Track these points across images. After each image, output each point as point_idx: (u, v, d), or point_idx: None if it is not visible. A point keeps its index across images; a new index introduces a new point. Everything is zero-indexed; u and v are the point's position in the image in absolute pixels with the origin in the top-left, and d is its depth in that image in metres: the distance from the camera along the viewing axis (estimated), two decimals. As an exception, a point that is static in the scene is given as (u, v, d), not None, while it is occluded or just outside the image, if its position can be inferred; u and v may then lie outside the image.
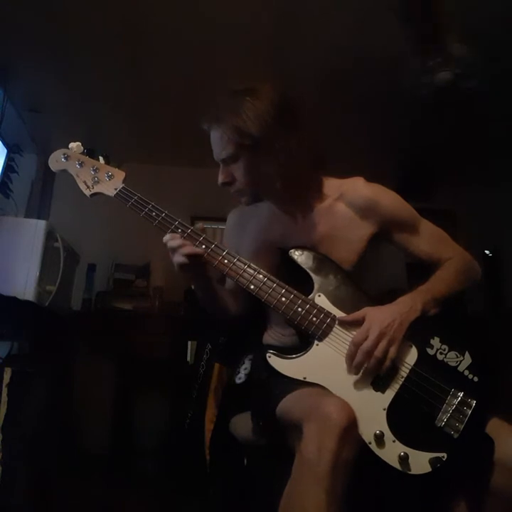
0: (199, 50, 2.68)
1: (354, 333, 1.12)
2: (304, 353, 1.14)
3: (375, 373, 1.09)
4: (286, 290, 1.17)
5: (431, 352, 1.12)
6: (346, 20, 2.45)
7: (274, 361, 1.13)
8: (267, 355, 1.13)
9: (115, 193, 1.26)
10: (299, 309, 1.15)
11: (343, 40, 2.58)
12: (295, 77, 2.73)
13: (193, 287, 1.35)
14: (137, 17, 2.47)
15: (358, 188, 1.31)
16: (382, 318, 1.10)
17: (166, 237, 1.19)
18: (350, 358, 1.10)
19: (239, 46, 2.65)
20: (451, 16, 2.36)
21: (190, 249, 1.17)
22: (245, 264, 1.19)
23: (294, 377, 1.11)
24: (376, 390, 1.09)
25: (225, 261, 1.19)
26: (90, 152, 1.32)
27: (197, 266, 1.21)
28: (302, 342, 1.17)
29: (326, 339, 1.14)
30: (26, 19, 2.44)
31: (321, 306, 1.16)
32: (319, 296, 1.18)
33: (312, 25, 2.50)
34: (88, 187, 1.29)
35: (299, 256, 1.21)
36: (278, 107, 1.20)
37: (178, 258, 1.17)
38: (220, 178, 1.27)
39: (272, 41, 2.63)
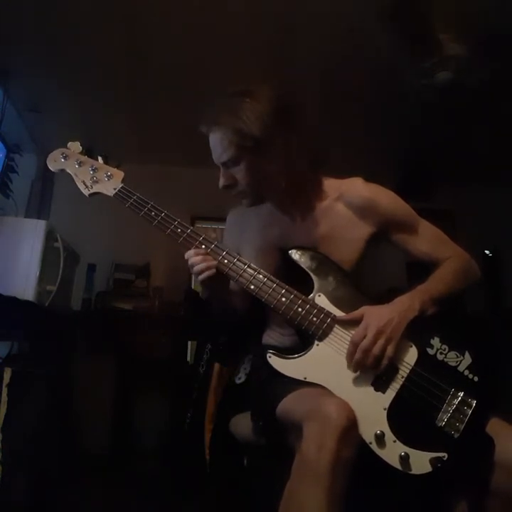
0: (199, 50, 2.68)
1: (353, 332, 1.12)
2: (305, 353, 1.14)
3: (373, 372, 1.09)
4: (286, 290, 1.16)
5: (431, 352, 1.11)
6: (346, 20, 2.45)
7: (275, 361, 1.13)
8: (268, 355, 1.13)
9: (114, 192, 1.26)
10: (299, 309, 1.15)
11: (343, 40, 2.58)
12: (295, 77, 2.74)
13: (202, 295, 1.34)
14: (137, 17, 2.47)
15: (357, 188, 1.31)
16: (380, 317, 1.10)
17: (189, 254, 1.19)
18: (350, 356, 1.10)
19: (239, 46, 2.65)
20: (447, 15, 2.36)
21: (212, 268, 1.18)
22: (245, 264, 1.19)
23: (295, 377, 1.11)
24: (376, 390, 1.09)
25: (225, 261, 1.19)
26: (89, 152, 1.32)
27: (220, 280, 1.21)
28: (302, 342, 1.17)
29: (327, 339, 1.14)
30: (26, 20, 2.44)
31: (321, 306, 1.16)
32: (319, 296, 1.17)
33: (311, 26, 2.50)
34: (87, 187, 1.29)
35: (299, 256, 1.21)
36: (277, 108, 1.20)
37: (202, 276, 1.18)
38: (221, 182, 1.25)
39: (272, 41, 2.62)
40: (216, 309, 1.37)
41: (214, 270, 1.18)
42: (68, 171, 1.31)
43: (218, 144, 1.22)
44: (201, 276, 1.18)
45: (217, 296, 1.32)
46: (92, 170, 1.29)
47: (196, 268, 1.17)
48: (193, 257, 1.18)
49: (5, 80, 2.84)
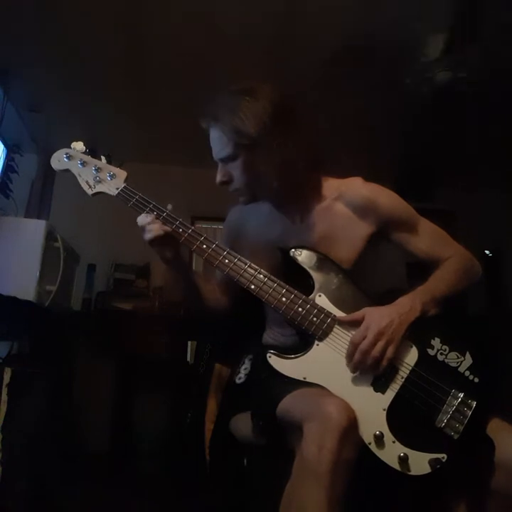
0: (199, 50, 2.68)
1: (354, 332, 1.12)
2: (305, 353, 1.14)
3: (372, 373, 1.09)
4: (286, 290, 1.16)
5: (431, 352, 1.11)
6: (347, 19, 2.45)
7: (275, 361, 1.13)
8: (268, 355, 1.13)
9: (117, 192, 1.26)
10: (300, 309, 1.15)
11: (344, 39, 2.58)
12: (295, 76, 2.74)
13: (166, 281, 1.34)
14: (137, 17, 2.47)
15: (357, 187, 1.31)
16: (381, 318, 1.10)
17: (139, 218, 1.21)
18: (350, 357, 1.10)
19: (239, 45, 2.65)
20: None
21: (158, 226, 1.19)
22: (246, 264, 1.19)
23: (294, 377, 1.11)
24: (376, 391, 1.09)
25: (226, 261, 1.19)
26: (92, 152, 1.32)
27: (168, 244, 1.23)
28: (302, 342, 1.17)
29: (327, 339, 1.14)
30: (26, 20, 2.44)
31: (321, 306, 1.16)
32: (320, 296, 1.17)
33: (312, 25, 2.50)
34: (90, 186, 1.29)
35: (299, 255, 1.21)
36: (276, 107, 1.20)
37: (148, 235, 1.19)
38: (218, 177, 1.27)
39: (272, 40, 2.62)
40: (177, 294, 1.37)
41: (162, 232, 1.19)
42: (71, 171, 1.31)
43: (217, 140, 1.24)
44: (149, 235, 1.19)
45: (174, 272, 1.32)
46: (95, 170, 1.29)
47: (148, 227, 1.19)
48: (145, 219, 1.20)
49: (5, 80, 2.84)
